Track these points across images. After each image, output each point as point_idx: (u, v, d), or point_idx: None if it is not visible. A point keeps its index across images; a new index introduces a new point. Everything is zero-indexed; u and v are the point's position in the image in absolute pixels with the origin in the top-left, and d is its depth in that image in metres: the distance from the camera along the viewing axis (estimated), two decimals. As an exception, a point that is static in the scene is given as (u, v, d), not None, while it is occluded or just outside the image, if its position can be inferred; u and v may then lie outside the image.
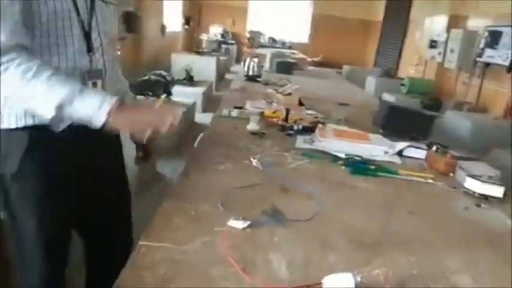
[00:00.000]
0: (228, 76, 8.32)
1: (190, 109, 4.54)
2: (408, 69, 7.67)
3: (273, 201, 1.18)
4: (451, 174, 1.58)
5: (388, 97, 5.42)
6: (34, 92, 0.96)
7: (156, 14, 8.13)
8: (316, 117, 2.30)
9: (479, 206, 1.34)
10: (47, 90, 0.96)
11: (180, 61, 6.49)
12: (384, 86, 6.24)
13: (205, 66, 6.47)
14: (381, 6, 9.60)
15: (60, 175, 1.12)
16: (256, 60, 3.52)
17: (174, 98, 4.52)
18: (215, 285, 0.79)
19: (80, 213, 1.25)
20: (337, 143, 1.78)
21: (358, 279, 0.82)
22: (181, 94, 4.84)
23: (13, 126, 1.08)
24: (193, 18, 9.44)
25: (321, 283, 0.81)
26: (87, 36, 1.13)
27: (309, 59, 10.58)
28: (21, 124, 1.08)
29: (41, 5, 1.01)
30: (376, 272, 0.83)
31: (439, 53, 5.75)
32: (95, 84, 1.17)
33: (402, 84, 5.60)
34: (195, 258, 0.87)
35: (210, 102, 5.69)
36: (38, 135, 1.08)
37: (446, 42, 5.46)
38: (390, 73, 6.94)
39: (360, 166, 1.54)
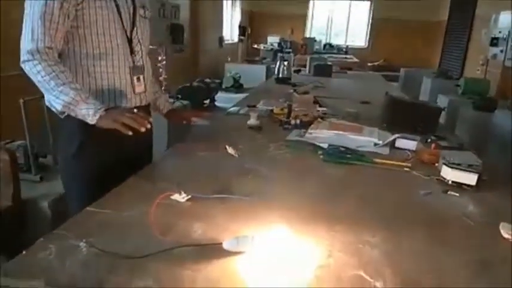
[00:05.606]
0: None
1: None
2: (474, 69, 7.18)
3: (229, 181, 1.28)
4: (436, 164, 1.54)
5: (442, 98, 5.16)
6: (52, 87, 1.24)
7: (215, 27, 8.57)
8: (325, 113, 2.34)
9: (445, 192, 1.31)
10: (62, 90, 1.24)
11: (233, 70, 6.79)
12: (440, 87, 5.93)
13: (256, 74, 6.68)
14: (445, 5, 9.11)
15: (109, 157, 1.38)
16: (286, 63, 3.61)
17: (217, 103, 4.76)
18: (128, 240, 0.91)
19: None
20: (327, 135, 1.82)
21: (256, 241, 0.89)
22: (227, 100, 5.07)
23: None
24: (250, 28, 9.76)
25: (221, 243, 0.90)
26: (129, 41, 1.40)
27: (369, 63, 10.39)
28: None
29: (92, 14, 1.29)
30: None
31: (501, 51, 5.34)
32: (138, 79, 1.44)
33: (457, 85, 5.28)
34: (124, 221, 1.01)
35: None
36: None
37: (507, 39, 5.06)
38: (447, 74, 6.55)
39: (333, 154, 1.57)
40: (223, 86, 5.80)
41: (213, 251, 0.89)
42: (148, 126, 1.27)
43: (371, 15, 10.90)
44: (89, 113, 1.24)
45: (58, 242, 0.89)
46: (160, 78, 4.35)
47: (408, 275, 0.85)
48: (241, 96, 5.71)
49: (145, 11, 1.49)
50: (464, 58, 7.99)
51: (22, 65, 1.26)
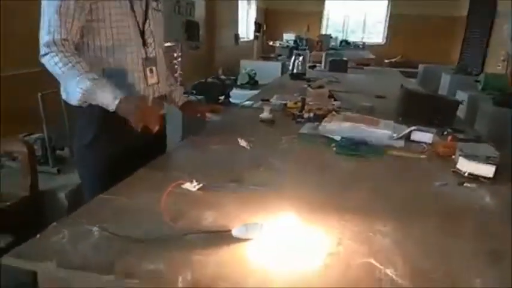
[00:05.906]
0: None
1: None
2: (494, 65, 7.02)
3: (241, 173, 1.28)
4: (452, 157, 1.51)
5: (461, 94, 5.06)
6: (70, 78, 1.26)
7: (230, 24, 8.58)
8: (339, 107, 2.32)
9: (461, 184, 1.28)
10: (79, 79, 1.25)
11: (248, 67, 6.80)
12: (459, 83, 5.81)
13: (271, 71, 6.66)
14: (464, 0, 8.91)
15: (122, 148, 1.39)
16: (300, 58, 3.59)
17: (232, 100, 4.77)
18: (140, 225, 0.92)
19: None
20: (340, 127, 1.80)
21: (264, 228, 0.89)
22: (242, 97, 5.08)
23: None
24: (266, 26, 9.75)
25: (230, 230, 0.90)
26: (141, 34, 1.42)
27: (386, 60, 10.24)
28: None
29: (105, 7, 1.30)
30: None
31: (523, 45, 5.20)
32: (151, 70, 1.45)
33: (477, 81, 5.16)
34: (136, 208, 1.02)
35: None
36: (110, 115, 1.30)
37: (528, 32, 4.92)
38: (466, 70, 6.41)
39: (346, 147, 1.55)
40: (238, 83, 5.82)
41: (222, 238, 0.89)
42: (157, 128, 1.27)
43: (388, 12, 10.74)
44: (109, 99, 1.25)
45: (71, 227, 0.90)
46: (176, 74, 4.39)
47: (420, 263, 0.84)
48: (256, 92, 5.73)
49: (158, 3, 1.51)
50: (484, 54, 7.81)
51: (41, 60, 1.28)
